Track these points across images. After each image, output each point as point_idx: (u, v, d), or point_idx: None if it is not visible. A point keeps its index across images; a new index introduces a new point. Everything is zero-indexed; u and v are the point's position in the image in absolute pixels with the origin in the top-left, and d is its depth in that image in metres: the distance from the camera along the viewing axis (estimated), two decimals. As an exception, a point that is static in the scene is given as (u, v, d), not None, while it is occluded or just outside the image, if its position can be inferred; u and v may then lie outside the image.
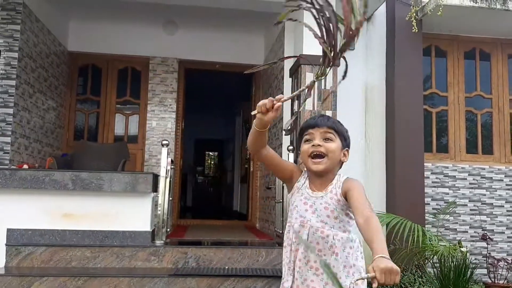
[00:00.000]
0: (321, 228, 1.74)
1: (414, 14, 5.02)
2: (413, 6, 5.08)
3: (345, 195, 1.73)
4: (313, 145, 1.78)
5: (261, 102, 1.59)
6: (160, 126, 6.66)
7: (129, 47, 6.66)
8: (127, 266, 3.96)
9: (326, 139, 1.79)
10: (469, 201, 5.45)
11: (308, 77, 4.52)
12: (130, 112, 6.86)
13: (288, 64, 5.10)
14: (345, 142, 1.84)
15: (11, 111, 4.92)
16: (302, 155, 1.83)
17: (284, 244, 1.86)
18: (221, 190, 13.27)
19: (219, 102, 10.60)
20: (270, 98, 1.59)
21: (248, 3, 5.45)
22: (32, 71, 5.37)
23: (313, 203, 1.78)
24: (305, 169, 1.89)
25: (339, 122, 1.87)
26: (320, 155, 1.77)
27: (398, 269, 1.32)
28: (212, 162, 15.03)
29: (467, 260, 4.25)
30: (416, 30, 4.96)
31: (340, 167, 1.87)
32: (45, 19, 5.70)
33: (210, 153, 14.85)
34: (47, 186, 4.05)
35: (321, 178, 1.81)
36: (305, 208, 1.79)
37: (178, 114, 6.82)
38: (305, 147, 1.81)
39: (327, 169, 1.79)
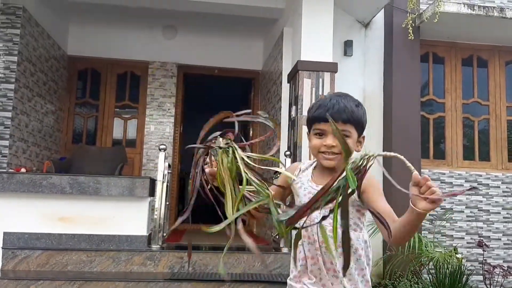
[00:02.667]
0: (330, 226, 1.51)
1: (411, 21, 5.04)
2: (409, 14, 5.10)
3: (361, 193, 1.50)
4: (325, 145, 1.54)
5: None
6: (158, 130, 6.67)
7: (128, 52, 6.68)
8: (123, 270, 3.97)
9: None
10: (466, 207, 5.46)
11: (306, 83, 4.53)
12: (129, 116, 6.87)
13: (286, 69, 5.13)
14: (362, 130, 1.61)
15: (9, 114, 4.94)
16: (312, 149, 1.59)
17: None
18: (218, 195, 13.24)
19: (217, 106, 10.50)
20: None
21: (247, 9, 5.49)
22: (31, 75, 5.39)
23: None
24: (304, 163, 1.71)
25: (356, 105, 1.60)
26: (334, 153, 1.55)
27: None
28: (211, 167, 15.03)
29: (462, 267, 4.26)
30: (412, 37, 4.99)
31: None
32: (45, 23, 5.73)
33: (209, 157, 14.85)
34: (45, 190, 4.05)
35: (331, 171, 1.56)
36: None
37: (177, 118, 6.84)
38: (316, 142, 1.57)
39: (340, 164, 1.50)
